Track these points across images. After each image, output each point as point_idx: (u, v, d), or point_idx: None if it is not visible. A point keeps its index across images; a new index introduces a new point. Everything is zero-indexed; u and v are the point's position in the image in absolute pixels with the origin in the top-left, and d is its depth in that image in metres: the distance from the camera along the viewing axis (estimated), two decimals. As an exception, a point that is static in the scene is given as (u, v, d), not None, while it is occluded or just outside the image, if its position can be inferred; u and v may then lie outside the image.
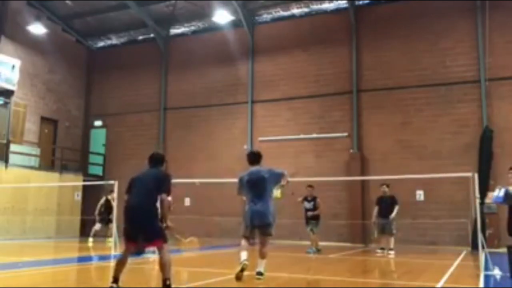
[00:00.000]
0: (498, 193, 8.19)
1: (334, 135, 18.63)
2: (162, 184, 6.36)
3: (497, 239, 15.20)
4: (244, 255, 7.43)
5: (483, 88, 16.58)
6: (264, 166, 8.00)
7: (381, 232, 13.19)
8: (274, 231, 7.88)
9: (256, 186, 7.61)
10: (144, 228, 6.24)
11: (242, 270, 7.27)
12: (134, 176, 6.67)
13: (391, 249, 12.92)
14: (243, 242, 7.71)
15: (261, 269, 7.44)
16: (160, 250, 6.28)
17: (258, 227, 7.67)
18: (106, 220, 16.33)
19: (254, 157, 8.02)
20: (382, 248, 13.29)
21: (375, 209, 13.38)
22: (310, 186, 14.10)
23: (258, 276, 7.38)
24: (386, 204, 13.12)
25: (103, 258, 12.14)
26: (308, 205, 13.90)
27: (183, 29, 22.56)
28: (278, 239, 18.30)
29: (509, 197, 8.07)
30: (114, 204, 13.59)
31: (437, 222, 16.00)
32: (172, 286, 6.18)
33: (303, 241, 16.09)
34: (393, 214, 12.97)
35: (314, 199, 13.94)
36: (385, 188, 13.35)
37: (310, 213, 13.75)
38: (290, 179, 8.07)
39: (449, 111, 17.01)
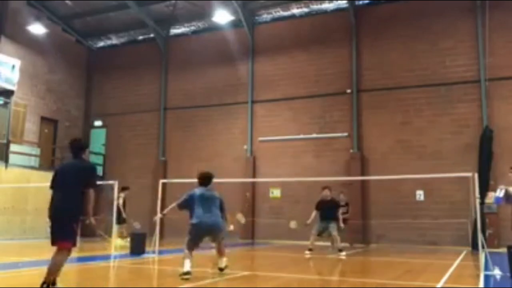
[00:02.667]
0: (498, 193, 8.20)
1: (334, 135, 18.63)
2: (85, 177, 5.92)
3: (497, 239, 15.20)
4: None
5: (483, 88, 16.59)
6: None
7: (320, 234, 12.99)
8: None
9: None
10: (57, 227, 5.80)
11: None
12: (57, 168, 6.28)
13: (340, 250, 12.46)
14: None
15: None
16: (58, 250, 5.83)
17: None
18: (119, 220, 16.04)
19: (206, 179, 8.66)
20: (310, 249, 12.84)
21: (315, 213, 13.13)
22: (341, 192, 14.86)
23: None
24: (328, 207, 12.90)
25: (103, 258, 12.13)
26: (342, 209, 14.28)
27: (183, 29, 22.56)
28: (278, 239, 18.36)
29: (509, 197, 8.08)
30: (115, 203, 13.58)
31: (437, 222, 15.99)
32: (172, 286, 6.13)
33: (303, 241, 16.08)
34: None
35: (347, 204, 15.00)
36: (327, 192, 13.08)
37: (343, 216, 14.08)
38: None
39: (449, 111, 17.01)
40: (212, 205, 8.30)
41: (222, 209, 8.68)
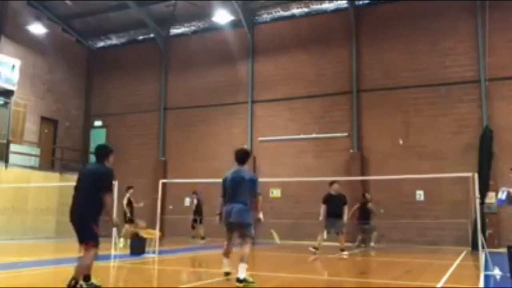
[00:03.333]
0: (501, 195, 8.22)
1: (334, 135, 18.63)
2: (101, 182, 6.05)
3: (497, 239, 15.21)
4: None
5: (483, 88, 16.58)
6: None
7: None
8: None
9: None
10: (78, 229, 6.03)
11: None
12: (80, 171, 6.51)
13: (342, 250, 12.36)
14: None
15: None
16: (85, 251, 6.00)
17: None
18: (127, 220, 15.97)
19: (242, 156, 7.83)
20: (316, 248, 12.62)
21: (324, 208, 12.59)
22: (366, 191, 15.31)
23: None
24: (335, 203, 12.53)
25: (103, 258, 12.13)
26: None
27: (183, 29, 22.56)
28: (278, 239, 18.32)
29: (510, 199, 8.09)
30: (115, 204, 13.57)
31: (437, 222, 15.99)
32: (172, 286, 6.15)
33: (304, 241, 16.09)
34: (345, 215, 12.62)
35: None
36: (336, 186, 12.74)
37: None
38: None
39: (449, 111, 17.01)
40: (240, 190, 7.23)
41: (252, 194, 7.31)
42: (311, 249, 12.67)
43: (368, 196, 16.44)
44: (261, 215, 7.41)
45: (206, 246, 16.16)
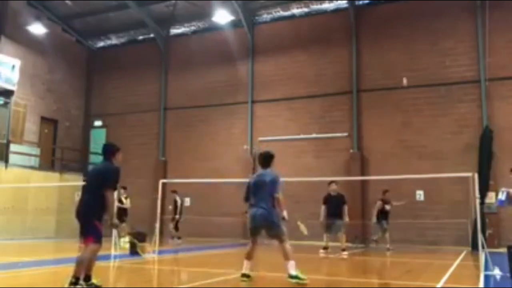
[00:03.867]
0: (501, 196, 8.22)
1: (334, 135, 18.63)
2: (104, 179, 6.11)
3: (497, 239, 15.21)
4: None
5: (483, 88, 16.58)
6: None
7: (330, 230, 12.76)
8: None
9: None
10: (81, 225, 6.15)
11: None
12: (88, 172, 6.70)
13: (343, 249, 12.42)
14: None
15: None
16: (85, 247, 6.08)
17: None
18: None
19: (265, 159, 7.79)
20: (326, 248, 12.70)
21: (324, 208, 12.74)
22: (387, 190, 14.70)
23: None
24: (334, 203, 12.62)
25: (103, 258, 12.12)
26: (388, 207, 14.57)
27: (183, 29, 22.56)
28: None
29: (510, 199, 8.10)
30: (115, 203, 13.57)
31: (437, 222, 15.99)
32: (169, 286, 6.15)
33: (303, 241, 16.08)
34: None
35: (390, 202, 14.85)
36: (334, 186, 12.83)
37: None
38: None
39: (449, 111, 17.01)
40: (262, 193, 7.23)
41: (272, 194, 7.32)
42: (322, 251, 12.66)
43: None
44: (285, 213, 7.36)
45: (193, 247, 16.14)
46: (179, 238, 17.03)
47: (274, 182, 7.35)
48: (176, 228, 17.25)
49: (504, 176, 14.99)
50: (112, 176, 6.19)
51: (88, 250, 6.00)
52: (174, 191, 17.19)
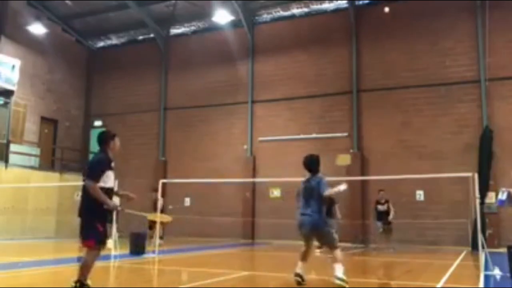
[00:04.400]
0: (501, 195, 8.23)
1: (334, 135, 18.63)
2: (87, 170, 5.79)
3: (497, 239, 15.21)
4: None
5: (483, 88, 16.59)
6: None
7: None
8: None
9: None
10: (81, 225, 5.80)
11: None
12: None
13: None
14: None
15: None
16: (86, 250, 5.77)
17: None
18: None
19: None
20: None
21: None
22: (381, 190, 14.98)
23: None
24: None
25: (103, 258, 12.13)
26: (381, 207, 14.80)
27: (183, 29, 22.56)
28: (278, 239, 18.36)
29: (511, 199, 8.10)
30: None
31: (437, 222, 16.00)
32: (172, 286, 6.12)
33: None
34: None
35: (386, 202, 14.93)
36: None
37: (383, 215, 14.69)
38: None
39: (449, 111, 17.01)
40: (311, 199, 6.96)
41: (323, 201, 7.05)
42: (317, 250, 12.89)
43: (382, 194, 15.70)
44: (343, 186, 6.94)
45: (193, 247, 16.12)
46: (161, 238, 16.51)
47: (321, 190, 7.00)
48: (151, 228, 15.71)
49: (505, 176, 15.03)
50: (95, 166, 5.82)
51: (91, 253, 5.72)
52: (155, 190, 16.57)
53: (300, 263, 7.00)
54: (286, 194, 18.93)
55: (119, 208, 5.89)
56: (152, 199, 15.94)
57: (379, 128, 17.97)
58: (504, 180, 14.23)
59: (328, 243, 7.00)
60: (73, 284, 5.65)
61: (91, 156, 23.53)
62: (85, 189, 5.83)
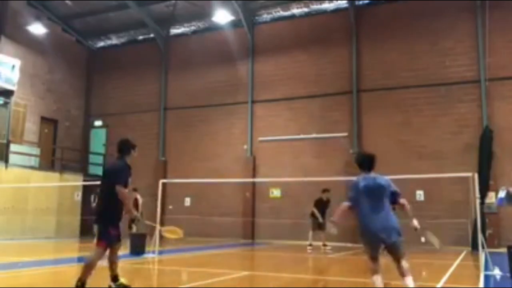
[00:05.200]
0: (500, 194, 8.24)
1: (334, 135, 18.62)
2: (113, 175, 6.18)
3: (497, 239, 15.20)
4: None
5: (483, 88, 16.58)
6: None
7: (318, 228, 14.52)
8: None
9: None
10: (97, 230, 6.22)
11: None
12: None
13: (325, 244, 14.57)
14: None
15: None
16: (95, 248, 6.13)
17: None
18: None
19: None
20: (311, 245, 14.51)
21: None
22: None
23: None
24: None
25: (103, 258, 12.13)
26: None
27: (183, 29, 22.56)
28: (278, 239, 18.37)
29: (511, 197, 8.11)
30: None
31: (437, 222, 15.96)
32: (172, 286, 6.15)
33: (303, 241, 16.09)
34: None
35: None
36: (326, 194, 14.66)
37: None
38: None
39: (449, 111, 17.01)
40: (381, 200, 6.05)
41: (394, 200, 6.25)
42: (309, 247, 13.71)
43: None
44: (415, 222, 6.35)
45: (193, 247, 16.12)
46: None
47: (392, 189, 6.23)
48: (130, 227, 15.16)
49: (504, 176, 15.03)
50: (121, 174, 6.19)
51: (95, 254, 6.01)
52: (135, 189, 15.98)
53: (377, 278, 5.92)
54: (286, 194, 18.96)
55: (139, 218, 6.13)
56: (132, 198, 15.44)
57: (379, 128, 17.97)
58: (504, 180, 14.21)
59: (396, 252, 6.00)
60: (78, 284, 5.84)
61: (91, 156, 23.68)
62: (105, 193, 6.16)
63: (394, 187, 6.24)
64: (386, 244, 5.93)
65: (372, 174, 6.37)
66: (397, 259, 5.90)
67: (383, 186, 6.17)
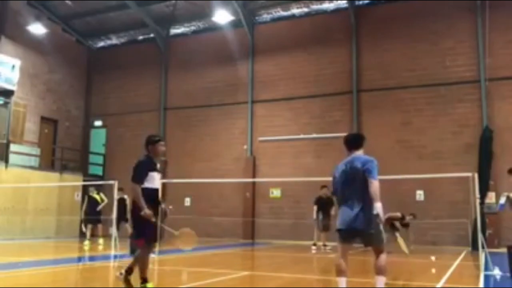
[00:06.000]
0: (501, 200, 8.30)
1: (334, 135, 18.58)
2: (132, 173, 6.19)
3: (497, 239, 15.21)
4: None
5: (483, 88, 16.58)
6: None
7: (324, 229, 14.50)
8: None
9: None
10: (132, 226, 6.39)
11: None
12: None
13: (325, 245, 14.46)
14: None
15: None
16: (140, 248, 6.25)
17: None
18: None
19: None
20: (315, 244, 14.52)
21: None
22: None
23: None
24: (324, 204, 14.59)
25: (103, 258, 12.14)
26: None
27: (183, 29, 22.56)
28: (278, 239, 18.37)
29: (510, 203, 8.17)
30: (115, 203, 13.59)
31: (437, 222, 15.99)
32: (172, 286, 6.19)
33: (303, 241, 16.10)
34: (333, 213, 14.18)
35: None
36: (325, 191, 14.55)
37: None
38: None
39: (449, 111, 17.01)
40: (354, 188, 5.41)
41: (367, 187, 5.30)
42: (313, 247, 13.81)
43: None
44: (378, 208, 5.17)
45: (204, 246, 16.12)
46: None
47: (367, 174, 5.40)
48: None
49: (504, 175, 15.00)
50: (136, 169, 6.21)
51: (141, 251, 6.17)
52: (121, 189, 15.36)
53: (341, 280, 5.50)
54: (286, 194, 18.97)
55: (152, 220, 6.05)
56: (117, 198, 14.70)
57: (379, 128, 17.96)
58: (503, 183, 14.19)
59: (373, 245, 5.52)
60: (141, 282, 6.06)
61: (91, 156, 23.70)
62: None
63: (368, 166, 5.48)
64: (354, 237, 5.43)
65: (353, 156, 5.69)
66: (375, 253, 5.43)
67: (357, 170, 5.44)
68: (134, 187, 6.07)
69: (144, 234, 6.10)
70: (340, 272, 5.40)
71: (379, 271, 5.36)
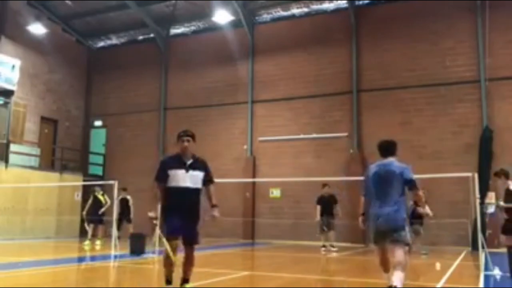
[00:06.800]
0: (490, 210, 8.40)
1: (334, 135, 18.63)
2: None
3: (497, 239, 15.15)
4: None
5: (483, 88, 16.58)
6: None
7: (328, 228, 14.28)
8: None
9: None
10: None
11: None
12: None
13: (332, 245, 14.22)
14: None
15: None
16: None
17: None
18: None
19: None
20: (324, 246, 14.21)
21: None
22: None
23: None
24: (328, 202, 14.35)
25: (103, 258, 12.13)
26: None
27: (183, 29, 22.56)
28: (278, 239, 18.37)
29: (501, 208, 8.28)
30: (115, 203, 13.59)
31: (437, 222, 15.98)
32: (172, 286, 6.21)
33: (304, 241, 16.10)
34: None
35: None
36: (327, 189, 14.42)
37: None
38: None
39: (449, 111, 17.01)
40: (389, 189, 5.67)
41: (409, 189, 5.71)
42: (323, 249, 13.98)
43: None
44: (428, 210, 5.92)
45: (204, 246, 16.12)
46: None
47: (403, 177, 5.81)
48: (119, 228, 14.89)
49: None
50: (158, 168, 6.15)
51: (165, 249, 6.19)
52: (124, 189, 15.69)
53: (386, 276, 5.72)
54: (286, 194, 18.96)
55: (154, 222, 6.07)
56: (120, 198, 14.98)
57: (379, 128, 17.93)
58: (498, 185, 14.15)
59: (395, 242, 5.58)
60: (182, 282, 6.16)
61: (91, 156, 23.69)
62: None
63: (409, 175, 5.80)
64: (388, 238, 5.51)
65: (387, 161, 6.09)
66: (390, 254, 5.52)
67: (394, 173, 5.78)
68: (153, 185, 6.07)
69: (166, 231, 6.14)
70: (387, 269, 5.62)
71: (398, 266, 5.36)
